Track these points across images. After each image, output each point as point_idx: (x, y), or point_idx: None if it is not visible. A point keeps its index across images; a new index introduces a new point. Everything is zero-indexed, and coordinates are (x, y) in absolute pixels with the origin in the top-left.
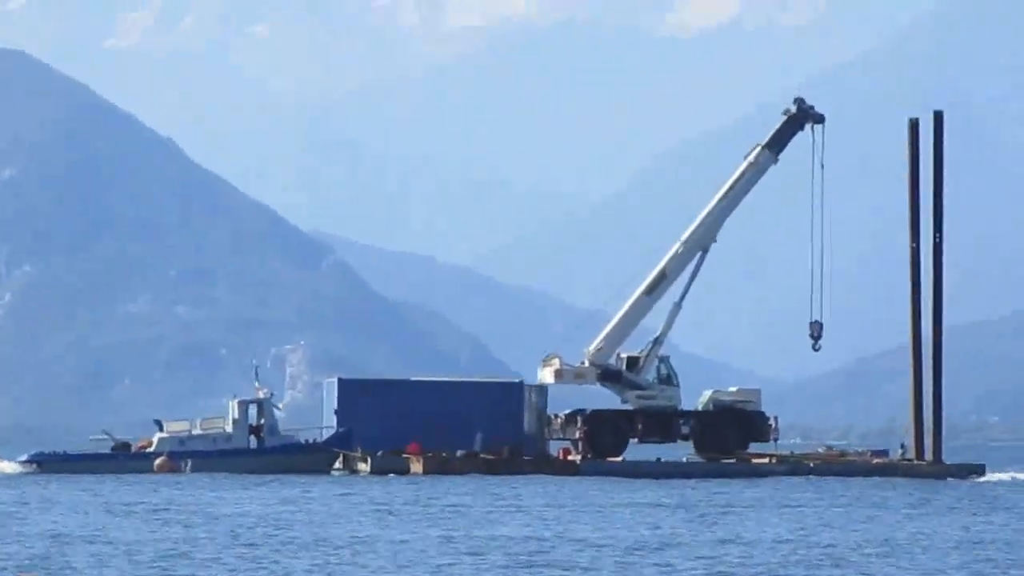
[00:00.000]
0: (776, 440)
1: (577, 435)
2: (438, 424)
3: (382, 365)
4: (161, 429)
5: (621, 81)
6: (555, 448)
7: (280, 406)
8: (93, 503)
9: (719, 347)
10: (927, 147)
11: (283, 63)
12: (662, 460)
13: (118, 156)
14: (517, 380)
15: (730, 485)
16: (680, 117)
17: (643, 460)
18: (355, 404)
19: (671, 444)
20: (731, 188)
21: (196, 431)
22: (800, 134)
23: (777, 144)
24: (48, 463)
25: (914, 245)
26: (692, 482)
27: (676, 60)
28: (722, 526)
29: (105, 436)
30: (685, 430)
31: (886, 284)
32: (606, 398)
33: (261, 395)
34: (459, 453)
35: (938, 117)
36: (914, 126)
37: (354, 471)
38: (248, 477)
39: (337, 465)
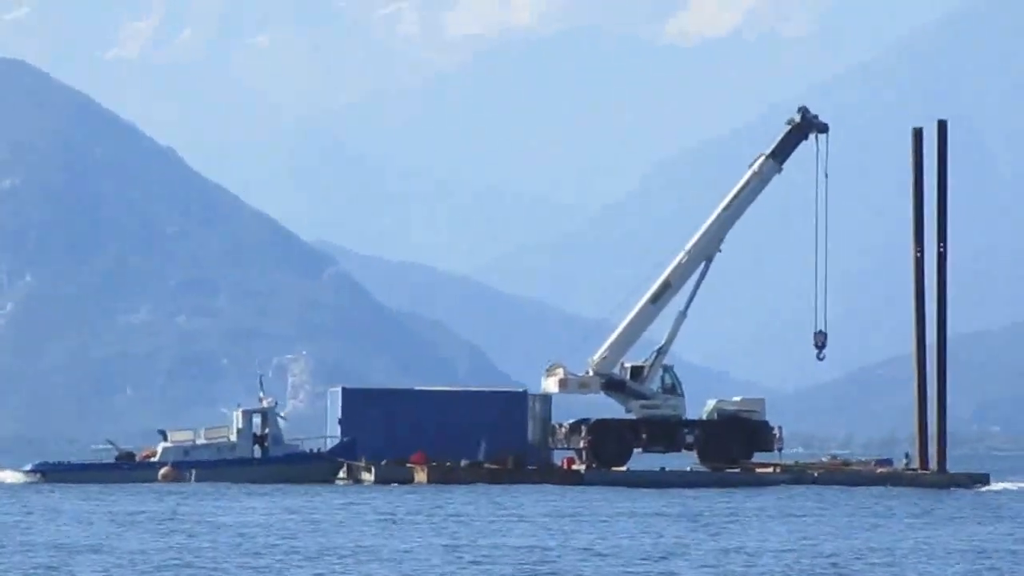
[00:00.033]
0: (780, 450)
1: (581, 444)
2: (442, 434)
3: (383, 374)
4: (165, 439)
5: (622, 90)
6: (559, 458)
7: (284, 415)
8: (98, 513)
9: (719, 356)
10: (931, 156)
11: (283, 73)
12: (666, 469)
13: (118, 166)
14: (521, 390)
15: (734, 494)
16: (681, 126)
17: (647, 469)
18: (359, 414)
19: (675, 454)
20: (735, 197)
21: (200, 441)
22: (804, 144)
23: (781, 153)
24: (52, 473)
25: (918, 254)
26: (696, 491)
27: (677, 69)
28: (726, 535)
29: (109, 446)
30: (689, 440)
31: (887, 294)
32: (610, 408)
33: (265, 405)
34: (463, 463)
35: (942, 126)
36: (917, 135)
37: (358, 481)
38: (252, 486)
39: (341, 475)
